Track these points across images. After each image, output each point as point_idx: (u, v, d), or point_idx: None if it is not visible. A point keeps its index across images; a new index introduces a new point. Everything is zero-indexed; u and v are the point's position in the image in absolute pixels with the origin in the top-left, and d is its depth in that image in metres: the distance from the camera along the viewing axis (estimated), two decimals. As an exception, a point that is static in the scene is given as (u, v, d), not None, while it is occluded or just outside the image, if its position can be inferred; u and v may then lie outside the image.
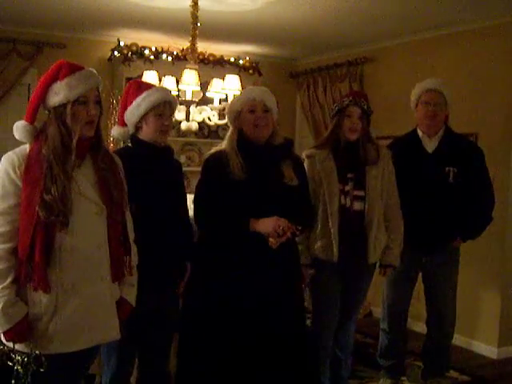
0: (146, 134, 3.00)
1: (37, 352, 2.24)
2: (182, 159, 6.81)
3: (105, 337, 2.42)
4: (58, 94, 2.27)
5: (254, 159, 3.15)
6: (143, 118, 2.97)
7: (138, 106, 2.97)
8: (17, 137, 2.36)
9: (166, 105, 2.97)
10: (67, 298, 2.26)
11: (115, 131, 3.14)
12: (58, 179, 2.22)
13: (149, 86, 3.07)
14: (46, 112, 2.34)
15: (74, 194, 2.27)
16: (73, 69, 2.32)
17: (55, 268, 2.24)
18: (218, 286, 3.13)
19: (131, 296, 2.57)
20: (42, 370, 2.24)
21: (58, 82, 2.29)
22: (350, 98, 3.61)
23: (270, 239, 3.05)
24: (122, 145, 3.33)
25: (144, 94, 2.96)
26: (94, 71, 2.39)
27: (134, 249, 2.58)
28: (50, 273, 2.23)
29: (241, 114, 3.19)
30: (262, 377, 3.15)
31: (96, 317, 2.33)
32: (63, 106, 2.27)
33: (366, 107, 3.60)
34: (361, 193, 3.59)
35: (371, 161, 3.62)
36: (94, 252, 2.33)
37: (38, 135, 2.32)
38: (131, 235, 2.57)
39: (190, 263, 3.15)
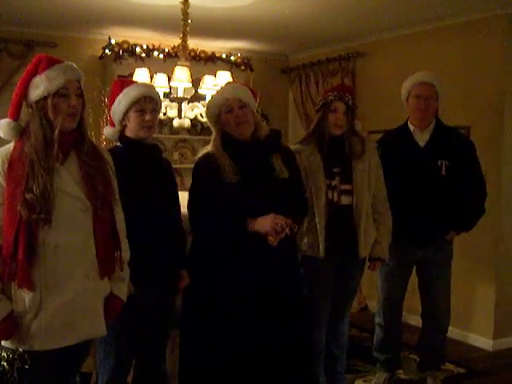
0: (130, 131, 2.98)
1: (20, 350, 2.26)
2: (175, 156, 6.80)
3: (90, 333, 2.43)
4: (39, 87, 2.29)
5: (242, 158, 3.12)
6: (125, 115, 2.96)
7: (118, 104, 2.96)
8: (0, 134, 2.38)
9: (146, 100, 2.94)
10: (51, 295, 2.27)
11: (106, 131, 3.13)
12: (39, 177, 2.23)
13: (131, 83, 3.05)
14: (29, 110, 2.34)
15: (57, 191, 2.27)
16: (52, 62, 2.34)
17: (39, 265, 2.25)
18: (220, 286, 3.12)
19: (122, 291, 2.56)
20: (26, 366, 2.26)
21: (38, 75, 2.31)
22: (335, 93, 3.59)
23: (269, 237, 3.04)
24: (113, 145, 3.31)
25: (124, 91, 2.95)
26: (74, 65, 2.40)
27: (125, 244, 2.57)
28: (34, 270, 2.24)
29: (220, 116, 3.16)
30: (262, 372, 3.16)
31: (81, 314, 2.34)
32: (44, 99, 2.29)
33: (350, 102, 3.60)
34: (348, 187, 3.59)
35: (357, 154, 3.61)
36: (79, 249, 2.33)
37: (21, 134, 2.33)
38: (122, 230, 2.56)
39: (185, 270, 3.13)
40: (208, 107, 3.28)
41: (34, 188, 2.21)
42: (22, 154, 2.27)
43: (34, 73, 2.33)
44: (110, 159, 2.57)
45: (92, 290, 2.38)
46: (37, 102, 2.31)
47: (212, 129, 3.26)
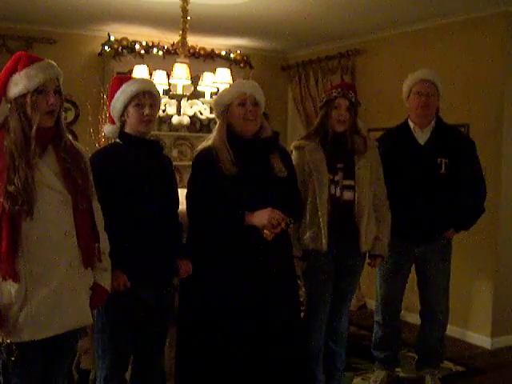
0: (130, 126, 2.99)
1: (8, 341, 2.27)
2: (174, 153, 6.79)
3: (76, 322, 2.46)
4: (18, 85, 2.32)
5: (243, 153, 3.15)
6: (124, 110, 2.97)
7: (117, 100, 2.98)
8: None
9: (144, 95, 2.96)
10: (36, 286, 2.29)
11: (106, 129, 3.15)
12: (20, 170, 2.25)
13: (129, 79, 3.07)
14: (9, 106, 2.36)
15: (37, 183, 2.30)
16: (31, 60, 2.37)
17: (23, 257, 2.27)
18: (216, 282, 3.13)
19: (105, 281, 2.61)
20: (12, 358, 2.28)
21: (17, 73, 2.34)
22: (339, 90, 3.63)
23: (265, 231, 3.06)
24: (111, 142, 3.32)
25: (122, 87, 2.97)
26: (53, 63, 2.43)
27: (103, 235, 2.60)
28: (18, 262, 2.26)
29: (230, 107, 3.19)
30: (259, 368, 3.16)
31: (66, 303, 2.37)
32: (23, 96, 2.32)
33: (353, 99, 3.62)
34: (350, 182, 3.61)
35: (359, 151, 3.64)
36: (61, 240, 2.36)
37: (0, 128, 2.35)
38: (100, 223, 2.59)
39: (186, 260, 3.13)
40: (221, 95, 3.32)
41: (16, 180, 2.24)
42: (1, 148, 2.29)
43: (13, 70, 2.36)
44: (85, 154, 2.60)
45: (76, 280, 2.42)
46: (16, 99, 2.33)
47: (217, 118, 3.29)
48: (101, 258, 2.56)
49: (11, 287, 2.26)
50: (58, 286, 2.34)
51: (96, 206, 2.57)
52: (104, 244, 2.60)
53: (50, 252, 2.32)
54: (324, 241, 3.54)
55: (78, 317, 2.44)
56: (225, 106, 3.21)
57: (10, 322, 2.28)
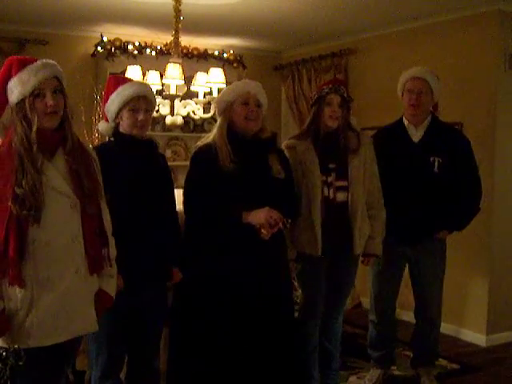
0: (124, 129, 2.98)
1: (15, 346, 2.24)
2: (168, 154, 6.78)
3: (82, 329, 2.43)
4: (14, 91, 2.29)
5: (241, 152, 3.15)
6: (118, 113, 2.96)
7: (112, 102, 2.96)
8: None
9: (139, 99, 2.93)
10: (43, 291, 2.26)
11: (101, 126, 3.13)
12: (28, 173, 2.23)
13: (125, 81, 3.04)
14: (11, 111, 2.33)
15: (45, 187, 2.27)
16: (24, 63, 2.33)
17: (29, 262, 2.24)
18: (211, 280, 3.14)
19: (111, 287, 2.57)
20: (20, 363, 2.25)
21: (12, 79, 2.31)
22: (330, 86, 3.60)
23: (262, 230, 3.07)
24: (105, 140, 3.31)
25: (118, 90, 2.95)
26: (50, 61, 2.37)
27: (111, 241, 2.57)
28: (25, 267, 2.23)
29: (233, 105, 3.19)
30: (254, 368, 3.17)
31: (73, 309, 2.34)
32: (22, 101, 2.29)
33: (345, 95, 3.59)
34: (343, 183, 3.58)
35: (352, 149, 3.61)
36: (68, 245, 2.33)
37: (8, 131, 2.33)
38: (108, 227, 2.56)
39: (177, 266, 3.12)
40: (224, 93, 3.32)
41: (24, 183, 2.21)
42: (10, 151, 2.27)
43: (8, 76, 2.32)
44: (95, 156, 2.57)
45: (83, 286, 2.39)
46: (16, 105, 2.30)
47: (218, 116, 3.30)
48: (111, 263, 2.53)
49: (17, 293, 2.24)
50: (64, 292, 2.31)
51: (104, 210, 2.54)
52: (112, 249, 2.56)
53: (56, 257, 2.29)
54: (319, 246, 3.52)
55: (84, 324, 2.41)
56: (227, 103, 3.21)
57: (16, 328, 2.25)
